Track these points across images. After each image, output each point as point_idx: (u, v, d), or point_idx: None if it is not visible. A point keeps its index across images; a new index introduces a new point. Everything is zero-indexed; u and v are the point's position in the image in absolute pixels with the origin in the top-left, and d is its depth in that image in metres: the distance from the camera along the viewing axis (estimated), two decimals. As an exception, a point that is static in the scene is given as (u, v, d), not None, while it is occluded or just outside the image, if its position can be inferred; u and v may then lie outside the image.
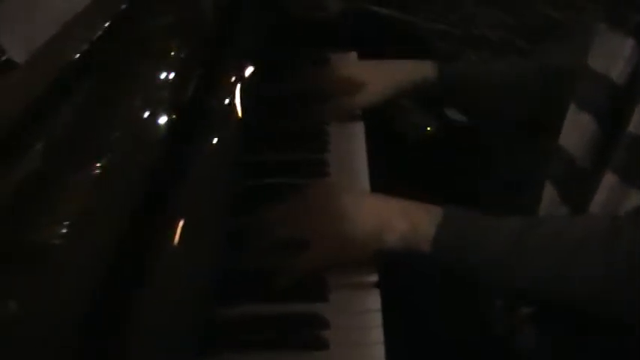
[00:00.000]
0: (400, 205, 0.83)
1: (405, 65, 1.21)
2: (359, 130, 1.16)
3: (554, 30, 1.86)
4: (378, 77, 1.20)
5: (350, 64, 1.33)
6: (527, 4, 1.87)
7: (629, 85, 0.84)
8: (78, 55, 0.73)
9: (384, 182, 1.08)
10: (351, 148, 1.11)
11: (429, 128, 1.56)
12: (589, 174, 0.88)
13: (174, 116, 0.70)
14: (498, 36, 2.07)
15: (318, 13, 1.66)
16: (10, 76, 0.67)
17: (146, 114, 0.72)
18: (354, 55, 1.44)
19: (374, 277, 0.80)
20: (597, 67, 0.89)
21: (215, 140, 0.78)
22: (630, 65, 0.84)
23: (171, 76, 0.79)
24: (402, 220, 0.80)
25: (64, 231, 0.53)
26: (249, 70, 0.94)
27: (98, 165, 0.62)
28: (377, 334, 0.72)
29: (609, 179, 0.83)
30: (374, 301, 0.78)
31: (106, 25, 0.80)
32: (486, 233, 0.80)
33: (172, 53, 0.83)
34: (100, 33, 0.79)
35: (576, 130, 0.92)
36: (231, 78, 0.89)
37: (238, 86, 0.87)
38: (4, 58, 0.69)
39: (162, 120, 0.70)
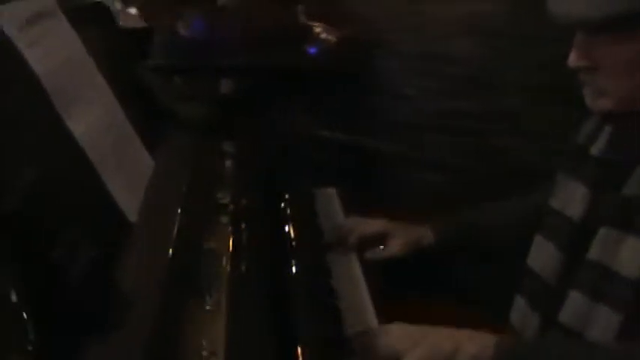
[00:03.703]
0: (468, 333, 1.11)
1: (413, 231, 1.49)
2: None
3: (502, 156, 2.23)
4: (399, 237, 1.47)
5: (371, 222, 1.54)
6: (478, 132, 2.23)
7: (584, 221, 1.17)
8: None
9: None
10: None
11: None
12: (554, 290, 1.19)
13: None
14: (454, 161, 2.42)
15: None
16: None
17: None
18: (333, 191, 1.74)
19: None
20: (556, 206, 1.22)
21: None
22: (583, 206, 1.17)
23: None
24: (473, 345, 1.09)
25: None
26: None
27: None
28: None
29: (575, 297, 1.13)
30: None
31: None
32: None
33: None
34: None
35: (542, 255, 1.23)
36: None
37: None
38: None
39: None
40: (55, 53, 0.97)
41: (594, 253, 1.12)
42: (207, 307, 0.90)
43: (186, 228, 0.99)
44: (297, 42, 2.01)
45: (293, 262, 1.08)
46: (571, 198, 1.20)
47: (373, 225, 1.51)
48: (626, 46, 1.03)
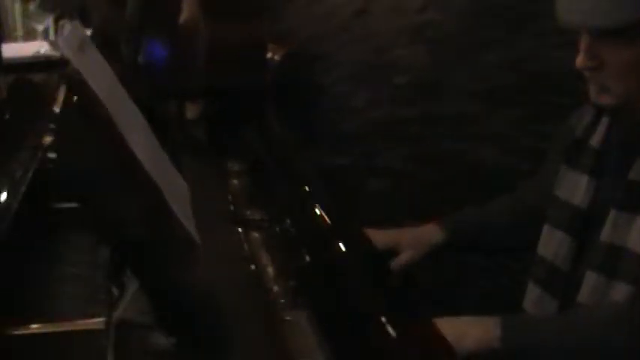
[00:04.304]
0: (467, 318, 1.17)
1: (421, 234, 1.52)
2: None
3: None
4: (411, 245, 1.50)
5: (380, 236, 1.50)
6: (430, 138, 2.32)
7: (591, 208, 1.27)
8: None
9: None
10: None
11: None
12: (569, 274, 1.28)
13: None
14: (400, 166, 2.49)
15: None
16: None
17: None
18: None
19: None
20: (562, 196, 1.32)
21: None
22: (589, 194, 1.27)
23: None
24: (476, 328, 1.15)
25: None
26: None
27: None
28: None
29: (591, 277, 1.23)
30: None
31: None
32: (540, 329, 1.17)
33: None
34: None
35: (552, 242, 1.32)
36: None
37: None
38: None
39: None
40: (99, 80, 0.97)
41: (606, 235, 1.21)
42: (287, 318, 0.93)
43: (239, 244, 1.01)
44: (258, 60, 2.03)
45: (337, 241, 1.10)
46: (575, 187, 1.29)
47: (382, 239, 1.51)
48: (630, 49, 1.13)
